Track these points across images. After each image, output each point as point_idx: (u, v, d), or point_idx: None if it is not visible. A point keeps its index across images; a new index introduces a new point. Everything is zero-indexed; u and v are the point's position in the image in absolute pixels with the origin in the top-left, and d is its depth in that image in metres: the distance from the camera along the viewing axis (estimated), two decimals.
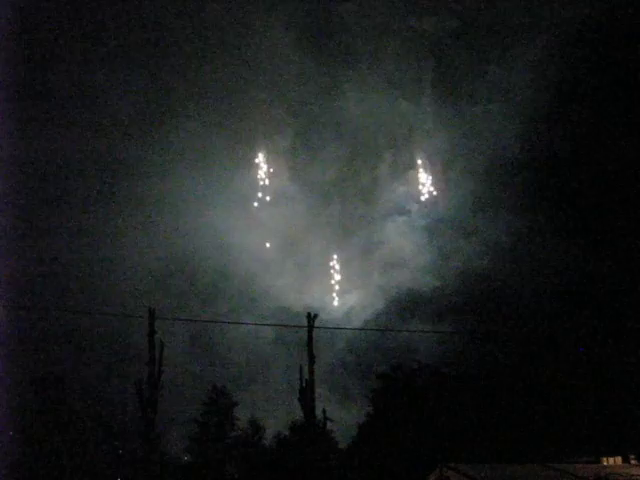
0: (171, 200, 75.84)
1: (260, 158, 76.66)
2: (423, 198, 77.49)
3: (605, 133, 68.32)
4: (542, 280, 70.67)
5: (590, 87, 68.97)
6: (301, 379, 31.27)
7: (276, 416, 65.47)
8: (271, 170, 77.11)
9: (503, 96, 76.26)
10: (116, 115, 73.85)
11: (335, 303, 76.15)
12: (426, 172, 76.45)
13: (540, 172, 73.30)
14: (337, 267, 77.54)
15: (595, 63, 68.25)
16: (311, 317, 32.04)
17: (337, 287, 77.06)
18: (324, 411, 34.23)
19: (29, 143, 65.57)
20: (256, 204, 76.54)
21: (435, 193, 76.92)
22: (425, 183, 76.52)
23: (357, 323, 75.42)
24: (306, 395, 30.95)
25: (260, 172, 76.24)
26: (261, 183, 76.47)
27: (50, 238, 69.51)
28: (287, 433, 62.09)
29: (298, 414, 41.68)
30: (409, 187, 79.75)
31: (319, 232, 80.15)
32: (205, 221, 75.77)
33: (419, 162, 77.23)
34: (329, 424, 35.90)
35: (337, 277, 77.33)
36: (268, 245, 78.51)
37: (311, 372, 31.10)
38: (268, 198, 76.80)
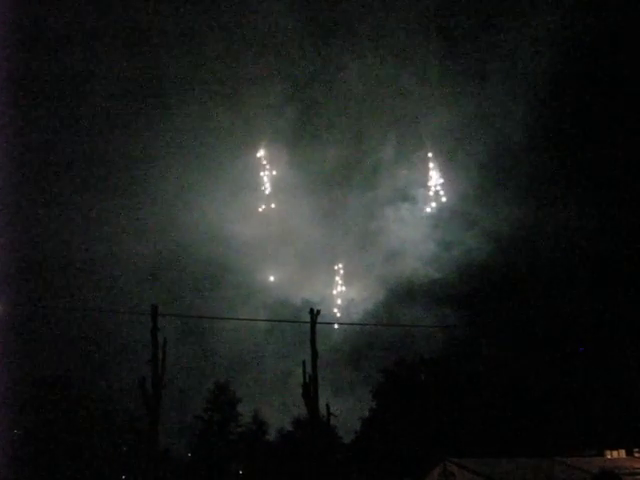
0: (167, 191, 73.46)
1: (262, 153, 73.90)
2: (433, 204, 74.01)
3: (610, 120, 67.38)
4: (545, 269, 70.23)
5: (597, 71, 67.57)
6: (304, 374, 30.96)
7: (274, 407, 65.26)
8: (274, 173, 73.44)
9: (510, 74, 73.66)
10: (107, 107, 71.08)
11: (338, 315, 73.04)
12: (436, 169, 72.75)
13: (544, 159, 72.41)
14: (342, 272, 73.75)
15: (605, 48, 66.72)
16: (314, 313, 31.69)
17: (339, 301, 73.40)
18: (327, 406, 34.03)
19: (19, 136, 63.76)
20: (260, 209, 73.62)
21: (443, 197, 73.61)
22: (436, 184, 72.82)
23: (357, 315, 74.27)
24: (309, 390, 30.74)
25: (263, 175, 72.97)
26: (266, 192, 73.19)
27: (44, 232, 68.20)
28: (290, 428, 62.13)
29: (296, 404, 41.47)
30: (414, 171, 76.13)
31: (320, 222, 77.53)
32: (202, 213, 73.34)
33: (429, 155, 73.59)
34: (332, 419, 35.65)
35: (340, 288, 73.57)
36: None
37: (314, 368, 30.84)
38: (273, 205, 72.64)
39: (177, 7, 72.73)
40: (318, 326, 31.63)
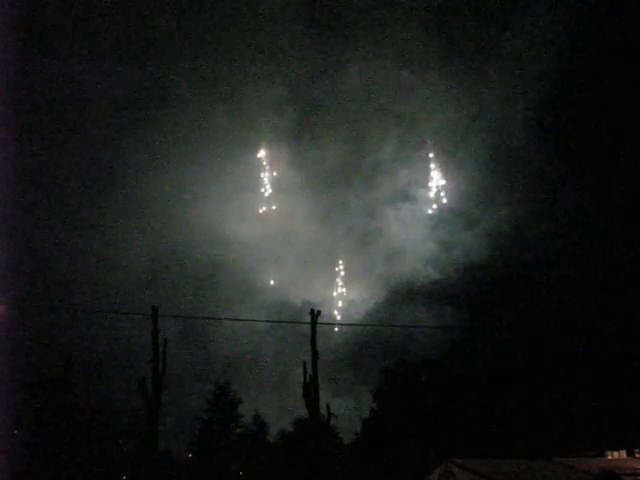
0: (167, 192, 72.94)
1: (262, 154, 73.39)
2: (435, 206, 73.65)
3: (611, 120, 67.12)
4: (545, 269, 70.06)
5: (598, 71, 67.18)
6: (305, 375, 30.98)
7: (274, 407, 65.25)
8: (274, 174, 73.47)
9: (512, 74, 73.50)
10: (107, 108, 70.64)
11: (338, 318, 72.40)
12: (437, 169, 72.08)
13: (544, 159, 72.15)
14: (342, 274, 73.10)
15: (606, 47, 66.32)
16: (314, 313, 31.69)
17: (340, 303, 72.84)
18: (328, 407, 33.99)
19: (20, 142, 63.10)
20: (261, 211, 73.15)
21: (444, 199, 73.26)
22: (437, 185, 72.15)
23: (357, 315, 74.03)
24: (310, 391, 30.72)
25: (264, 176, 72.43)
26: (266, 194, 72.77)
27: (43, 233, 67.76)
28: (292, 429, 62.08)
29: (296, 405, 41.49)
30: (414, 171, 75.77)
31: (320, 222, 77.10)
32: (202, 213, 73.07)
33: (430, 155, 73.12)
34: (332, 419, 35.59)
35: (341, 290, 72.94)
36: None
37: (315, 369, 30.84)
38: (274, 207, 72.07)
39: (177, 7, 72.43)
40: (318, 327, 31.63)
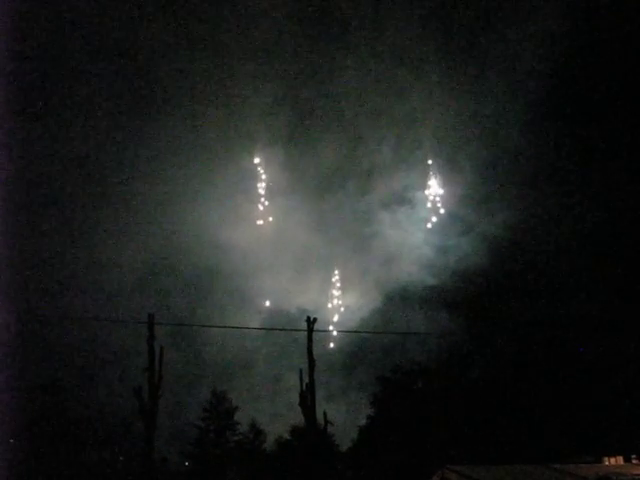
0: (160, 197, 71.29)
1: (257, 160, 72.80)
2: (434, 219, 73.17)
3: (611, 123, 66.86)
4: (543, 272, 69.86)
5: (599, 71, 66.94)
6: (301, 383, 30.96)
7: (269, 414, 65.01)
8: (270, 184, 72.46)
9: (510, 75, 72.16)
10: (99, 113, 69.99)
11: (334, 333, 72.15)
12: (435, 176, 71.34)
13: (542, 162, 71.93)
14: (338, 285, 72.80)
15: (606, 47, 65.98)
16: (310, 321, 31.70)
17: (336, 317, 72.38)
18: (325, 414, 33.94)
19: (11, 144, 62.12)
20: (259, 223, 72.05)
21: (441, 209, 72.85)
22: (435, 194, 71.57)
23: (352, 322, 73.61)
24: (306, 399, 30.69)
25: (260, 187, 71.76)
26: (261, 208, 72.81)
27: (35, 242, 66.99)
28: (288, 437, 61.86)
29: (291, 412, 41.42)
30: (411, 173, 74.74)
31: (315, 227, 75.86)
32: (195, 219, 71.36)
33: (429, 162, 72.53)
34: (329, 427, 35.52)
35: (337, 301, 72.70)
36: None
37: (311, 376, 30.83)
38: (271, 219, 71.79)
39: (166, 8, 71.64)
40: (314, 334, 31.66)
